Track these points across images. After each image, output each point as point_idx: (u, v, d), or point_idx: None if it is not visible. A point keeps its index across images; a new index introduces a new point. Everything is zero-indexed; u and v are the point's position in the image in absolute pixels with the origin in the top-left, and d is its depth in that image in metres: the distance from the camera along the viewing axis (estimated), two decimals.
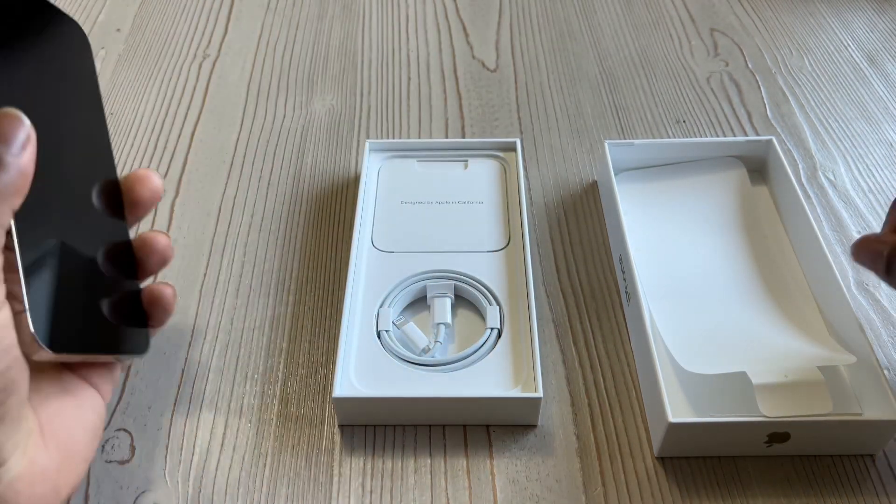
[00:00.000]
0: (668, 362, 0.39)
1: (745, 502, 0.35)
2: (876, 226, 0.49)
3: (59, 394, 0.30)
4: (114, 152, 0.35)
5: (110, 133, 0.55)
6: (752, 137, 0.50)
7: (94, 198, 0.34)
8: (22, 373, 0.27)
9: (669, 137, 0.55)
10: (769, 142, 0.49)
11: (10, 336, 0.27)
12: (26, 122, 0.28)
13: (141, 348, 0.36)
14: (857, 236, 0.48)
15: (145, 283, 0.35)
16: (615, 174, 0.48)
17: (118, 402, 0.40)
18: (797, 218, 0.45)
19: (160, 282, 0.35)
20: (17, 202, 0.27)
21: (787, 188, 0.47)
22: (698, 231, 0.47)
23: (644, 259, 0.44)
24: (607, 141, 0.48)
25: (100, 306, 0.34)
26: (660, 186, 0.49)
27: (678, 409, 0.37)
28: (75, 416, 0.31)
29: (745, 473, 0.37)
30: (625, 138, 0.55)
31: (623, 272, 0.44)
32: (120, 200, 0.35)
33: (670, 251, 0.46)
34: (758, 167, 0.50)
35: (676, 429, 0.35)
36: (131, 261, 0.35)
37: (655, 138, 0.55)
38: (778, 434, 0.35)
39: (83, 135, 0.33)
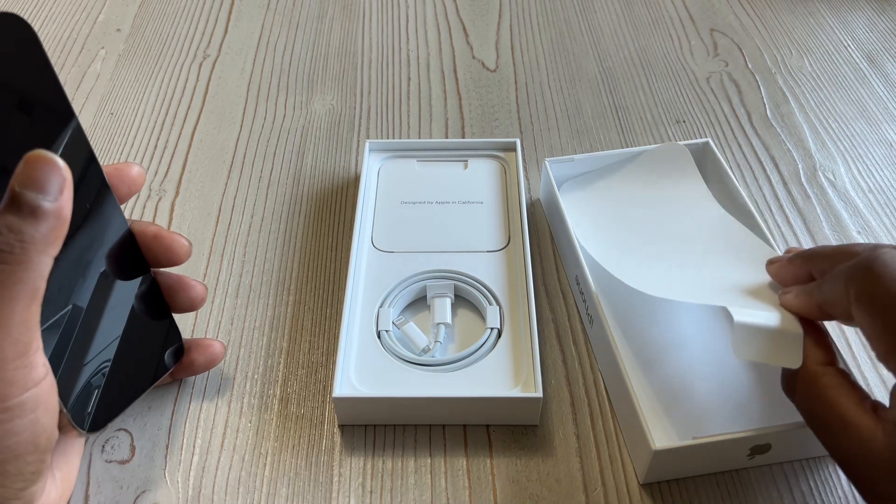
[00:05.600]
0: (642, 382, 0.39)
1: None
2: (876, 225, 0.49)
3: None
4: (114, 154, 0.34)
5: (111, 134, 0.55)
6: (689, 141, 0.49)
7: (96, 224, 0.32)
8: (56, 430, 0.30)
9: (670, 138, 0.55)
10: (705, 144, 0.48)
11: (54, 400, 0.29)
12: (60, 163, 0.27)
13: (173, 359, 0.37)
14: (856, 236, 0.48)
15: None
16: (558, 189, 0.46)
17: None
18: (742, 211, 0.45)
19: (211, 339, 0.39)
20: (56, 250, 0.28)
21: (730, 190, 0.46)
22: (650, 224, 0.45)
23: (602, 275, 0.42)
24: (547, 159, 0.47)
25: (129, 357, 0.34)
26: (602, 186, 0.47)
27: (657, 433, 0.36)
28: (70, 444, 0.33)
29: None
30: (625, 138, 0.55)
31: (581, 293, 0.42)
32: (129, 231, 0.34)
33: (627, 257, 0.43)
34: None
35: (661, 455, 0.34)
36: (144, 270, 0.35)
37: (656, 138, 0.55)
38: (760, 446, 0.35)
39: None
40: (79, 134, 0.30)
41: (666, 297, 0.36)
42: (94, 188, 0.31)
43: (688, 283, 0.39)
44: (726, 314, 0.41)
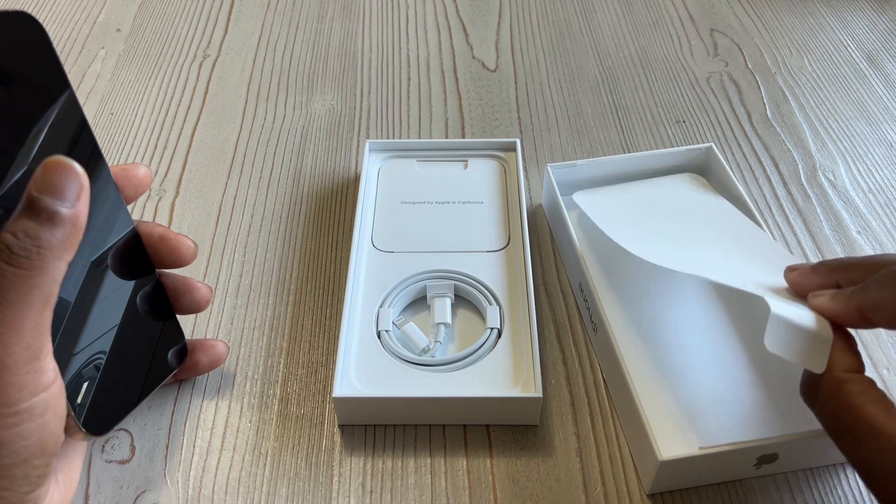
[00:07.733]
0: (648, 391, 0.38)
1: None
2: (876, 225, 0.49)
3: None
4: (114, 154, 0.34)
5: (111, 134, 0.55)
6: (693, 146, 0.48)
7: (104, 230, 0.32)
8: (63, 434, 0.30)
9: (670, 138, 0.55)
10: (709, 149, 0.48)
11: (63, 404, 0.29)
12: (79, 169, 0.27)
13: (177, 361, 0.37)
14: (856, 236, 0.48)
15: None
16: (562, 196, 0.46)
17: None
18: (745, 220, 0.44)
19: (215, 339, 0.40)
20: (70, 256, 0.28)
21: (730, 190, 0.46)
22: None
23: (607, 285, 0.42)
24: (549, 165, 0.47)
25: (134, 359, 0.34)
26: (618, 199, 0.47)
27: (664, 443, 0.35)
28: (72, 447, 0.33)
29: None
30: (625, 138, 0.55)
31: (585, 300, 0.42)
32: (137, 239, 0.34)
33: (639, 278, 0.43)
34: (700, 174, 0.49)
35: (668, 465, 0.34)
36: (149, 270, 0.35)
37: (656, 138, 0.55)
38: (767, 455, 0.35)
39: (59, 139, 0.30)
40: (88, 134, 0.30)
41: (701, 275, 0.35)
42: (101, 189, 0.31)
43: (719, 268, 0.38)
44: (744, 311, 0.41)
